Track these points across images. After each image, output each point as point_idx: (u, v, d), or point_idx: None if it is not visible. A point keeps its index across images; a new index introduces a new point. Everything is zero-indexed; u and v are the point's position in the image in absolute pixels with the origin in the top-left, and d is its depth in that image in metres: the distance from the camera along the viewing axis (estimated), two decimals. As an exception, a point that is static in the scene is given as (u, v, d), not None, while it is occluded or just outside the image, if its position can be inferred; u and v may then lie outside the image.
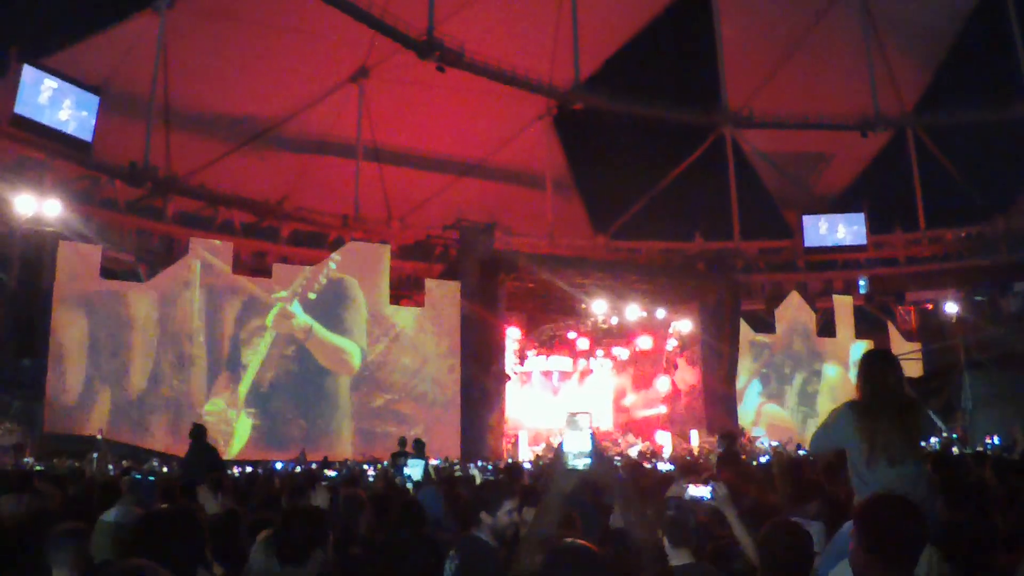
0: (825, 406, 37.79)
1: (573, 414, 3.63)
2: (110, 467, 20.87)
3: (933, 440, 26.06)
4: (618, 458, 26.10)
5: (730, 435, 17.25)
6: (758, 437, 34.04)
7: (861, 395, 6.12)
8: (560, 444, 3.64)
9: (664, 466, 18.01)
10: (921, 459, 5.97)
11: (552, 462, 4.29)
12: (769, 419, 37.92)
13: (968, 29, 50.17)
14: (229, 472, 15.26)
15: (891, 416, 5.83)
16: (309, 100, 43.80)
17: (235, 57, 40.27)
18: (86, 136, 34.68)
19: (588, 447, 3.58)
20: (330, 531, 5.18)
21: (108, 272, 28.42)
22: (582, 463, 3.56)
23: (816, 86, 49.98)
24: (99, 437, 23.71)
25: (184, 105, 39.96)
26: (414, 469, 11.81)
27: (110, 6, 37.77)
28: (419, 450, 17.62)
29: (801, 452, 25.60)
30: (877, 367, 6.16)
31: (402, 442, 19.62)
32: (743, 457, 20.40)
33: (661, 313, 37.79)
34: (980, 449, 20.84)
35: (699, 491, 4.79)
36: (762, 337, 39.16)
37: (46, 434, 25.10)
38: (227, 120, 41.55)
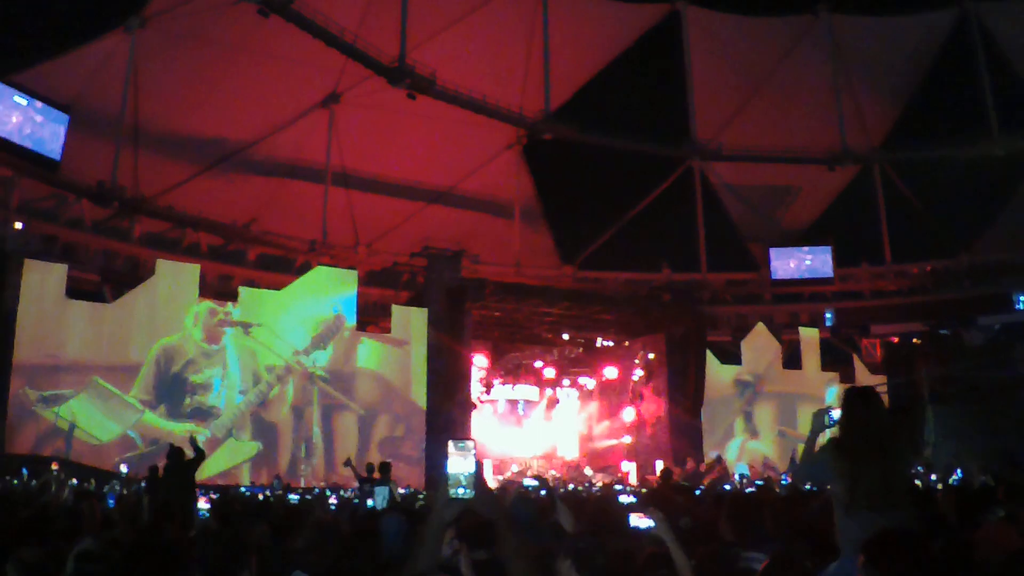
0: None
1: (457, 439, 3.56)
2: (66, 493, 20.50)
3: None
4: (583, 487, 26.03)
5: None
6: (718, 466, 34.00)
7: (842, 435, 5.90)
8: (444, 469, 3.54)
9: (626, 498, 17.93)
10: (908, 504, 5.70)
11: (434, 490, 4.20)
12: (751, 456, 37.93)
13: (936, 67, 50.79)
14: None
15: (873, 459, 5.61)
16: (279, 124, 43.75)
17: (206, 79, 40.19)
18: (54, 154, 34.48)
19: (472, 474, 3.50)
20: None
21: (73, 292, 28.15)
22: (465, 492, 3.47)
23: (784, 120, 50.38)
24: (54, 469, 23.38)
25: (153, 126, 39.84)
26: (378, 497, 11.72)
27: (81, 25, 37.64)
28: (384, 474, 17.31)
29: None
30: (859, 406, 5.89)
31: (368, 469, 19.26)
32: (705, 482, 20.53)
33: (627, 344, 37.90)
34: (940, 484, 20.86)
35: (643, 522, 4.81)
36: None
37: (6, 454, 24.76)
38: (196, 142, 41.43)
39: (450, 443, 3.52)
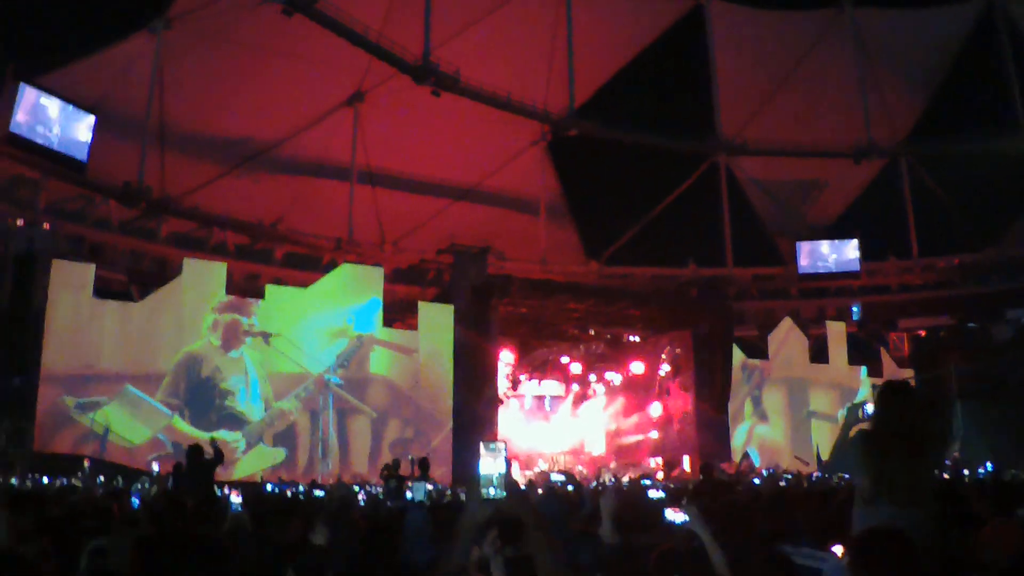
0: (818, 430, 37.94)
1: (488, 441, 3.57)
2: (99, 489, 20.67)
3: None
4: (609, 482, 26.01)
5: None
6: (748, 461, 33.98)
7: (873, 427, 5.88)
8: (476, 470, 3.54)
9: (655, 493, 17.93)
10: (930, 500, 5.60)
11: (467, 489, 4.20)
12: (760, 440, 37.87)
13: (961, 59, 50.43)
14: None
15: (902, 453, 5.54)
16: (304, 123, 43.84)
17: (231, 79, 40.32)
18: (81, 156, 34.71)
19: (503, 475, 3.51)
20: None
21: (101, 291, 28.29)
22: (497, 492, 3.48)
23: (810, 114, 50.18)
24: (86, 465, 23.59)
25: (179, 126, 40.00)
26: (418, 492, 11.85)
27: (107, 27, 37.83)
28: (424, 470, 17.40)
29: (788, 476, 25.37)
30: (893, 400, 5.85)
31: (395, 464, 19.23)
32: (737, 483, 20.50)
33: (654, 339, 37.84)
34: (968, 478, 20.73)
35: (678, 516, 4.82)
36: (754, 360, 39.02)
37: (36, 453, 24.98)
38: (222, 141, 41.57)
39: (481, 445, 3.55)
